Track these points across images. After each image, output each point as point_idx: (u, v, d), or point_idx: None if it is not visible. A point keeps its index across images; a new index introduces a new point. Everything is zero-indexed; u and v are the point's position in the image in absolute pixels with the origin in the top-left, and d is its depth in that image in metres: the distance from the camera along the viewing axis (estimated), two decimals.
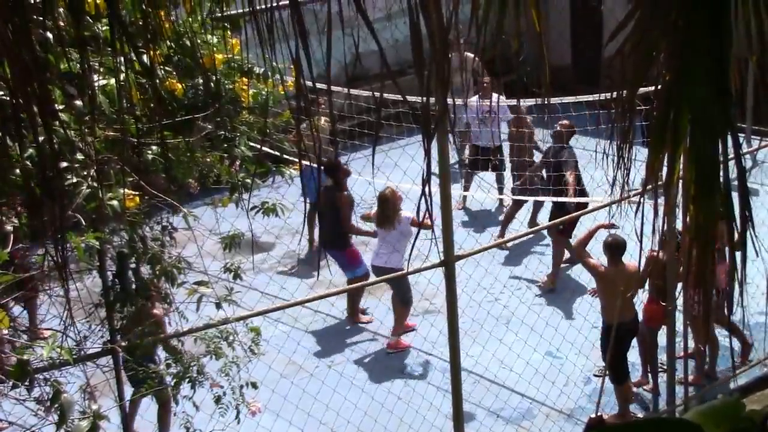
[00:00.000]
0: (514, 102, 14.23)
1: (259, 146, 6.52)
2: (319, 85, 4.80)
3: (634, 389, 10.17)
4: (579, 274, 11.44)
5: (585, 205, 11.59)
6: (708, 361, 10.43)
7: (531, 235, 13.39)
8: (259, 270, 12.12)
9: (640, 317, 9.90)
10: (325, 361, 10.98)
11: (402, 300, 11.31)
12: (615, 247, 9.63)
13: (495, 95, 14.69)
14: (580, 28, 20.21)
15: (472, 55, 4.95)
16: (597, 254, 10.12)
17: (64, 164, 5.06)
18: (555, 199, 12.32)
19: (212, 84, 6.25)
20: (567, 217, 11.07)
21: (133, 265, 6.01)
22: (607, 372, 9.43)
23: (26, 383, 5.35)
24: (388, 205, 11.19)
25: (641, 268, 9.52)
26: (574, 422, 9.90)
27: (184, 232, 6.19)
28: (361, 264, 11.96)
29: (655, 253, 8.59)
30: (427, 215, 2.89)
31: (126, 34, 2.99)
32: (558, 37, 19.38)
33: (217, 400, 6.51)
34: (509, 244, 13.33)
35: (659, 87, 3.14)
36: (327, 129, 12.15)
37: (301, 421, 9.36)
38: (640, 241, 3.61)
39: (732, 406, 2.79)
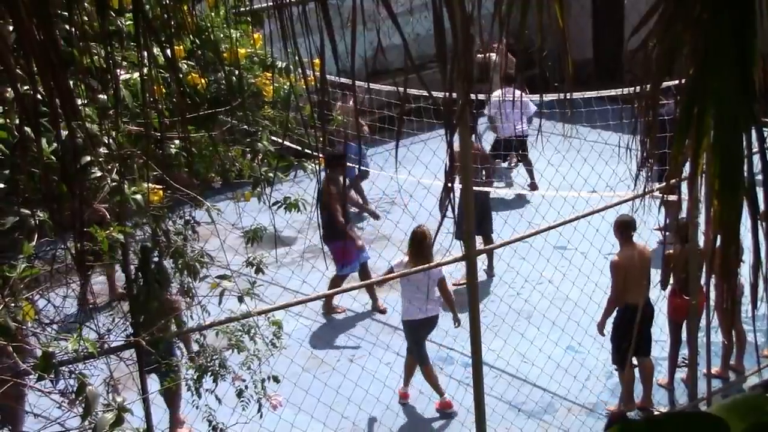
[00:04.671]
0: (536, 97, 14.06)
1: (281, 140, 6.54)
2: (342, 80, 4.81)
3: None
4: (602, 268, 11.37)
5: None
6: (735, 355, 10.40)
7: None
8: (281, 264, 12.14)
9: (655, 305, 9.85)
10: (346, 354, 10.99)
11: None
12: (625, 226, 9.63)
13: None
14: (601, 23, 20.15)
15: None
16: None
17: (88, 158, 5.08)
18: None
19: (234, 78, 6.27)
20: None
21: (156, 259, 6.04)
22: (616, 356, 9.43)
23: (51, 376, 5.39)
24: (423, 244, 9.84)
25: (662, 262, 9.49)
26: (596, 416, 9.88)
27: (207, 226, 6.22)
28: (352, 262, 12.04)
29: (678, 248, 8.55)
30: None
31: (149, 28, 2.99)
32: (579, 32, 19.33)
33: (239, 393, 6.53)
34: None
35: (683, 81, 3.13)
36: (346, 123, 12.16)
37: (322, 414, 9.38)
38: (664, 236, 3.60)
39: (756, 400, 2.78)
